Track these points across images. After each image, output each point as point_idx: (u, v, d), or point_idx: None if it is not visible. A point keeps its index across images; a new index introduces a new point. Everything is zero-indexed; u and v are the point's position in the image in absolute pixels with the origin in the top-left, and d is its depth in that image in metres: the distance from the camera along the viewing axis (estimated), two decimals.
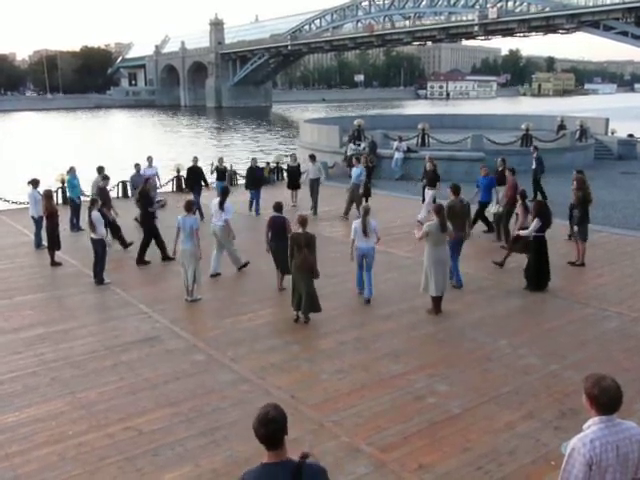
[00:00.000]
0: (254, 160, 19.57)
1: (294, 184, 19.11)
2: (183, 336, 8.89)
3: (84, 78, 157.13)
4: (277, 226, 10.51)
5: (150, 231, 12.70)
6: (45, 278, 12.05)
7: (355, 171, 17.77)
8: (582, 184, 12.44)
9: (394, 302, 10.10)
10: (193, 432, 6.29)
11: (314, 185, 18.60)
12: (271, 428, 3.05)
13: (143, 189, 13.35)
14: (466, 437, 6.14)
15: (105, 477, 5.57)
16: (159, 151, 38.94)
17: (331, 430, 6.29)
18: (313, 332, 9.07)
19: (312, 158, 19.32)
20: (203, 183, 17.94)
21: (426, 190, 16.52)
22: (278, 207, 10.73)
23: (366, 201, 17.93)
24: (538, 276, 10.71)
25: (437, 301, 9.64)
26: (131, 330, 9.13)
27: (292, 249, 9.26)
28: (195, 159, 18.47)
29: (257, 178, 18.68)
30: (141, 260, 12.60)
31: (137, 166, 17.41)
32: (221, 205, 11.74)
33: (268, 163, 24.31)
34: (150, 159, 18.19)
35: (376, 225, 10.14)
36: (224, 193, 12.16)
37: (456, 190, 11.04)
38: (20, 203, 18.07)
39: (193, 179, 18.09)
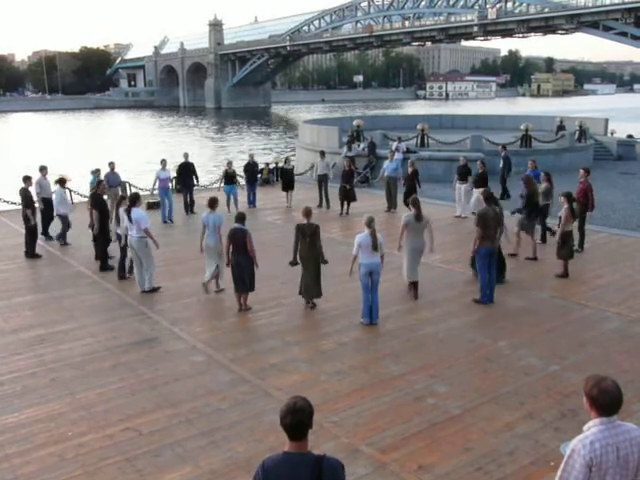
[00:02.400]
0: (252, 156, 20.36)
1: (288, 185, 19.33)
2: (183, 337, 8.89)
3: (83, 79, 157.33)
4: (237, 239, 9.42)
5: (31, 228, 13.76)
6: (45, 279, 12.05)
7: (390, 165, 18.30)
8: (530, 183, 12.78)
9: (392, 303, 10.07)
10: (193, 433, 6.28)
11: (322, 181, 18.86)
12: (297, 417, 3.10)
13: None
14: (466, 438, 6.15)
15: (105, 478, 5.57)
16: (158, 151, 38.91)
17: (331, 431, 6.29)
18: (313, 333, 9.08)
19: (322, 154, 19.75)
20: (195, 181, 18.31)
21: (457, 184, 17.10)
22: (240, 218, 9.58)
23: (348, 206, 17.78)
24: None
25: (414, 285, 10.38)
26: (131, 331, 9.13)
27: (297, 239, 9.53)
28: (186, 155, 18.65)
29: (254, 172, 19.64)
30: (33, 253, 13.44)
31: (111, 164, 17.45)
32: (129, 215, 10.52)
33: (267, 164, 24.33)
34: (164, 162, 18.11)
35: (383, 240, 9.23)
36: (133, 200, 10.79)
37: (489, 197, 10.25)
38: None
39: (185, 175, 18.18)
